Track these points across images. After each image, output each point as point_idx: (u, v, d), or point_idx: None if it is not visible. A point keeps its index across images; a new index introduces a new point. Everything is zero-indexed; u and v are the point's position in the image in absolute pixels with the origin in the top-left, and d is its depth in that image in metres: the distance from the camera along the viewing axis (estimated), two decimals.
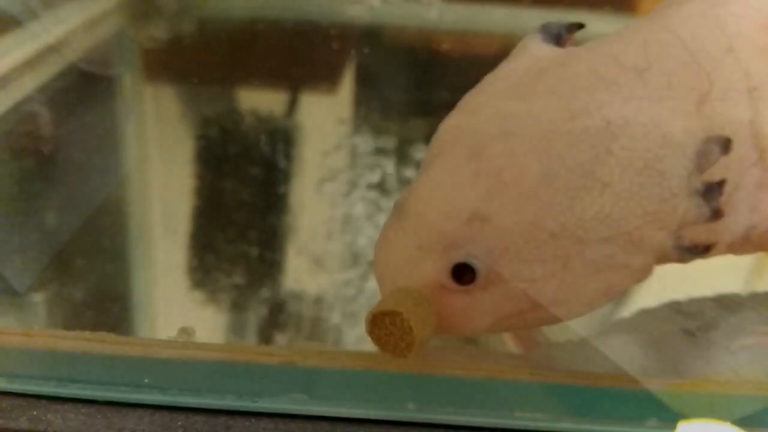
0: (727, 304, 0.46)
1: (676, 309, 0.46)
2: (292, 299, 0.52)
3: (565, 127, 0.35)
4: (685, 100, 0.36)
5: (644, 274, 0.37)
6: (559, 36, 0.41)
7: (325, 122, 0.76)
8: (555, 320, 0.38)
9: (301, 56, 0.83)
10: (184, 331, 0.39)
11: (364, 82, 0.82)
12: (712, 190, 0.36)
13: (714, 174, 0.36)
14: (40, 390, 0.38)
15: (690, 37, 0.38)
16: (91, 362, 0.38)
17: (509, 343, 0.44)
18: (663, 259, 0.37)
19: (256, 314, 0.50)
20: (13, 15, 0.65)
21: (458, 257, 0.35)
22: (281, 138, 0.72)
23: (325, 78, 0.82)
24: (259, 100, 0.79)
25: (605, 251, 0.35)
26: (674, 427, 0.35)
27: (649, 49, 0.37)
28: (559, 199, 0.35)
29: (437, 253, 0.36)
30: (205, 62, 0.80)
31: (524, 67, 0.39)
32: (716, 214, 0.36)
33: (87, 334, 0.38)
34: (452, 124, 0.39)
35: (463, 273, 0.35)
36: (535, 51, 0.40)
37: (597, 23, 0.45)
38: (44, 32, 0.67)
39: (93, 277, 0.50)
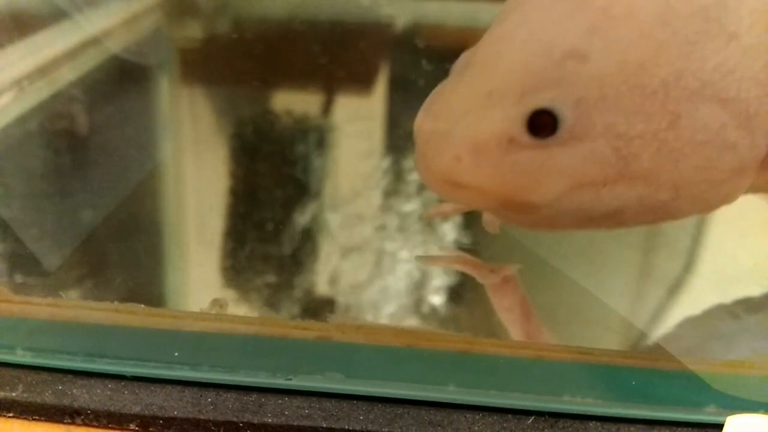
0: None
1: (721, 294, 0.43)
2: (324, 290, 0.50)
3: None
4: None
5: (744, 175, 0.31)
6: None
7: (359, 122, 0.75)
8: (633, 205, 0.31)
9: (336, 56, 0.82)
10: (217, 302, 0.37)
11: (400, 82, 0.81)
12: None
13: None
14: (67, 364, 0.36)
15: None
16: (119, 335, 0.37)
17: None
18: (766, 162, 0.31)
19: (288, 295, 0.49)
20: (61, 7, 0.67)
21: (540, 102, 0.29)
22: (315, 137, 0.71)
23: (361, 78, 0.81)
24: (293, 100, 0.78)
25: (719, 118, 0.30)
26: (732, 413, 0.33)
27: None
28: (676, 42, 0.29)
29: (512, 98, 0.29)
30: (239, 61, 0.80)
31: None
32: None
33: (116, 305, 0.37)
34: None
35: (542, 123, 0.29)
36: None
37: None
38: (88, 24, 0.69)
39: (125, 251, 0.49)
